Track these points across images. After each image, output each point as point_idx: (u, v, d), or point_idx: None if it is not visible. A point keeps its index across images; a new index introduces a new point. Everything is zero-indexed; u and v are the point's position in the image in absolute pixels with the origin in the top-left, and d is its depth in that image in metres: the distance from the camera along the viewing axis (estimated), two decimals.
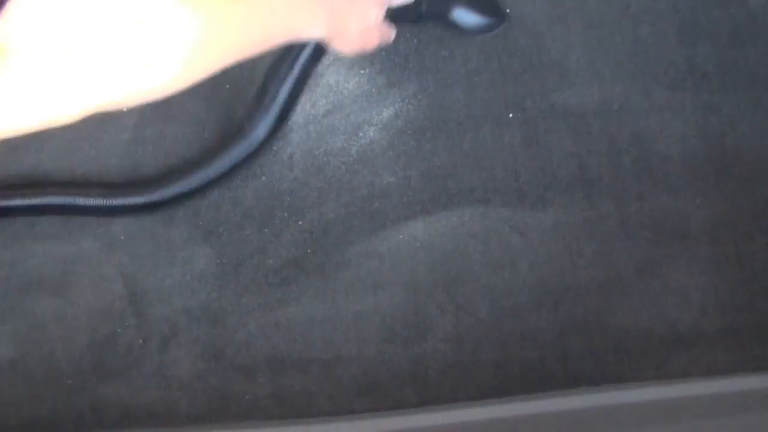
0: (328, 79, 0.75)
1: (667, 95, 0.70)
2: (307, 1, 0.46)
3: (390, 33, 0.61)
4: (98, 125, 0.76)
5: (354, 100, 0.74)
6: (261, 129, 0.67)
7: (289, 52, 0.64)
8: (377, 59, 0.75)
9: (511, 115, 0.72)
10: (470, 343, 0.66)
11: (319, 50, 0.63)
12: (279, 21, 0.43)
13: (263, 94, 0.67)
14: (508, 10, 0.72)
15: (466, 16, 0.69)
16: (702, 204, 0.67)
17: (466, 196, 0.70)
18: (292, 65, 0.65)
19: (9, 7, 0.28)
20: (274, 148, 0.74)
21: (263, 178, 0.73)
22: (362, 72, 0.75)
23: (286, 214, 0.72)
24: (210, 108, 0.76)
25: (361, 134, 0.74)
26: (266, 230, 0.72)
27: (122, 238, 0.72)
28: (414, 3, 0.60)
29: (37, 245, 0.74)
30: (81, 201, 0.68)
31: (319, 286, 0.69)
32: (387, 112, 0.74)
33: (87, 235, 0.73)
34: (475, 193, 0.70)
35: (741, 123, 0.68)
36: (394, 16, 0.58)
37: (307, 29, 0.47)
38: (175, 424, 0.66)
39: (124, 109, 0.75)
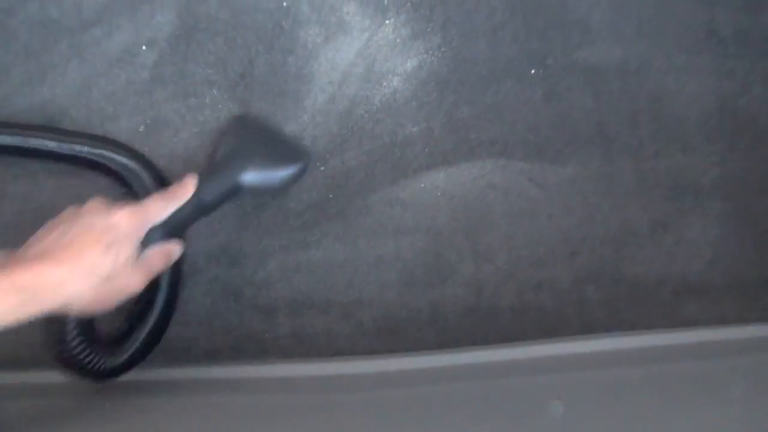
0: (352, 27, 0.75)
1: (684, 58, 0.72)
2: (5, 281, 0.40)
3: (171, 250, 0.52)
4: (115, 62, 0.75)
5: (378, 50, 0.75)
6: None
7: None
8: (402, 10, 0.76)
9: (533, 71, 0.73)
10: (489, 290, 0.67)
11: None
12: None
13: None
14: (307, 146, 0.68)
15: (261, 186, 0.60)
16: (715, 163, 0.69)
17: (487, 148, 0.71)
18: None
19: None
20: (298, 93, 0.74)
21: (286, 123, 0.73)
22: (387, 22, 0.75)
23: None
24: (231, 48, 0.75)
25: (384, 83, 0.74)
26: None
27: None
28: (193, 204, 0.53)
29: (50, 179, 0.73)
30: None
31: (340, 230, 0.69)
32: (411, 63, 0.74)
33: (91, 170, 0.72)
34: (496, 146, 0.71)
35: (754, 86, 0.71)
36: (173, 231, 0.51)
37: (15, 314, 0.40)
38: (192, 360, 0.66)
39: (143, 47, 0.74)
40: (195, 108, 0.74)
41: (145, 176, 0.65)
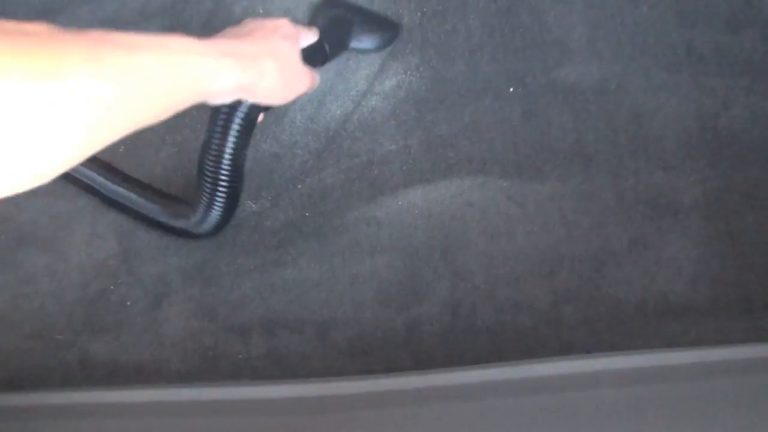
0: None
1: (664, 76, 0.72)
2: (212, 48, 0.43)
3: (314, 76, 0.59)
4: None
5: (356, 70, 0.75)
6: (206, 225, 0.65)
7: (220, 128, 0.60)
8: None
9: (511, 90, 0.73)
10: (465, 309, 0.66)
11: (251, 114, 0.58)
12: (187, 72, 0.41)
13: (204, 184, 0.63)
14: (401, 22, 0.75)
15: (365, 42, 0.72)
16: (695, 181, 0.68)
17: (465, 166, 0.71)
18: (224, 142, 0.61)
19: None
20: (278, 113, 0.74)
21: (263, 141, 0.73)
22: None
23: (284, 178, 0.72)
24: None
25: (363, 103, 0.74)
26: (264, 193, 0.72)
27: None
28: (318, 45, 0.62)
29: (31, 200, 0.73)
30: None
31: (316, 249, 0.69)
32: (389, 83, 0.75)
33: (82, 193, 0.72)
34: (474, 164, 0.71)
35: (735, 105, 0.70)
36: (311, 64, 0.59)
37: (219, 77, 0.44)
38: (165, 382, 0.65)
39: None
40: (174, 129, 0.74)
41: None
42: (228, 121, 0.57)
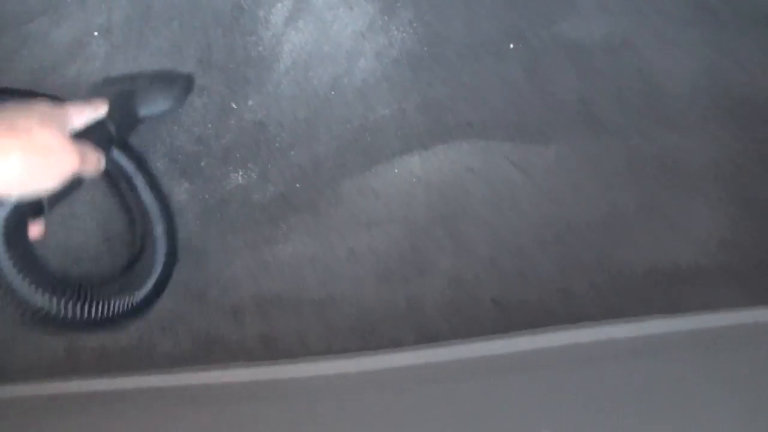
0: (317, 4, 0.70)
1: (674, 31, 0.68)
2: None
3: (91, 156, 0.50)
4: (65, 53, 0.69)
5: (344, 28, 0.70)
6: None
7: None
8: None
9: (512, 46, 0.68)
10: (469, 281, 0.63)
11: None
12: None
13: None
14: (190, 74, 0.66)
15: (156, 105, 0.62)
16: (707, 142, 0.65)
17: (465, 129, 0.67)
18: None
19: None
20: (261, 78, 0.69)
21: (247, 109, 0.68)
22: None
23: (272, 147, 0.67)
24: (187, 32, 0.70)
25: (352, 64, 0.69)
26: (250, 164, 0.67)
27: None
28: (98, 125, 0.53)
29: None
30: None
31: (309, 223, 0.65)
32: (381, 41, 0.69)
33: None
34: (474, 127, 0.67)
35: (748, 62, 0.67)
36: (91, 141, 0.51)
37: None
38: (155, 367, 0.62)
39: (95, 34, 0.69)
40: None
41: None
42: None
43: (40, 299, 0.50)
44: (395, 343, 0.62)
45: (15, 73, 0.69)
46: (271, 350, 0.62)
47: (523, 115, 0.67)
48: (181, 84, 0.64)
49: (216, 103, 0.69)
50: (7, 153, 0.42)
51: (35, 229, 0.52)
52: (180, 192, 0.66)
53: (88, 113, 0.52)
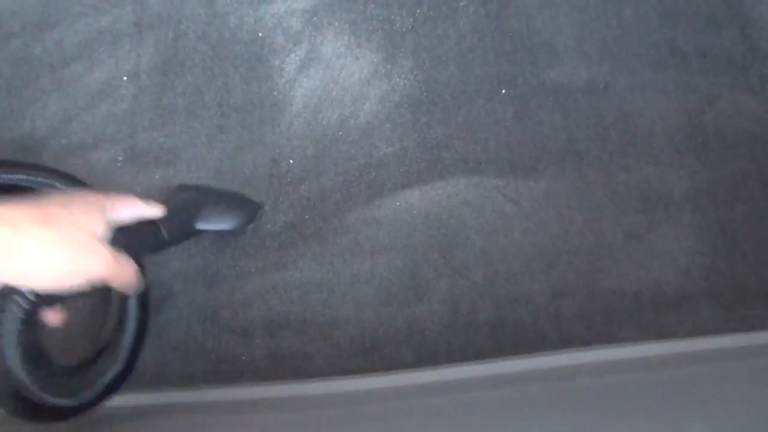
0: (326, 54, 0.77)
1: (650, 75, 0.74)
2: None
3: (121, 262, 0.46)
4: (96, 94, 0.76)
5: (351, 74, 0.77)
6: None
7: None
8: (374, 36, 0.78)
9: (503, 91, 0.75)
10: (465, 306, 0.67)
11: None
12: None
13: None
14: (260, 202, 0.69)
15: (217, 223, 0.62)
16: (684, 175, 0.70)
17: (461, 166, 0.72)
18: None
19: None
20: (275, 119, 0.75)
21: (261, 146, 0.74)
22: (360, 48, 0.78)
23: (283, 182, 0.73)
24: (208, 78, 0.77)
25: (358, 107, 0.75)
26: (263, 197, 0.73)
27: None
28: (150, 227, 0.52)
29: None
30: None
31: (316, 250, 0.70)
32: (384, 86, 0.76)
33: None
34: (469, 164, 0.72)
35: (719, 101, 0.73)
36: (133, 247, 0.48)
37: None
38: (167, 386, 0.65)
39: (124, 78, 0.75)
40: (173, 136, 0.75)
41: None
42: None
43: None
44: (396, 364, 0.65)
45: (49, 110, 0.75)
46: (278, 369, 0.65)
47: (514, 152, 0.72)
48: (249, 210, 0.67)
49: (233, 141, 0.75)
50: (44, 245, 0.39)
51: (53, 316, 0.48)
52: None
53: (139, 209, 0.50)
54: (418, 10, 0.78)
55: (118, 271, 0.45)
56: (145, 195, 0.72)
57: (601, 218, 0.69)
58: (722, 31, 0.75)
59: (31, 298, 0.43)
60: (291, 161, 0.74)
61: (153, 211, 0.52)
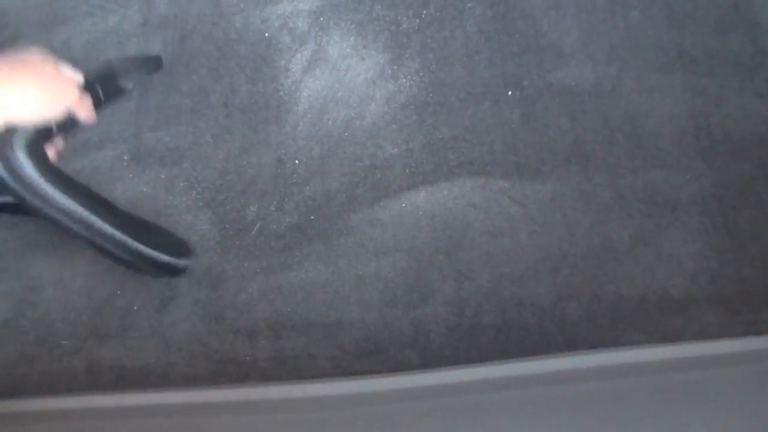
0: (332, 55, 0.77)
1: (657, 78, 0.74)
2: None
3: (88, 101, 0.58)
4: None
5: (358, 76, 0.76)
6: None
7: None
8: (381, 38, 0.78)
9: (510, 93, 0.75)
10: (470, 308, 0.67)
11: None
12: None
13: None
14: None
15: (132, 79, 0.69)
16: (691, 178, 0.70)
17: (467, 167, 0.72)
18: None
19: None
20: (280, 120, 0.75)
21: (266, 147, 0.74)
22: (366, 49, 0.77)
23: (289, 182, 0.73)
24: (214, 78, 0.77)
25: (364, 108, 0.75)
26: (268, 197, 0.72)
27: (123, 203, 0.71)
28: (89, 84, 0.59)
29: None
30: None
31: (321, 251, 0.70)
32: (390, 87, 0.76)
33: None
34: (475, 165, 0.72)
35: (726, 104, 0.72)
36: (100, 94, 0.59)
37: None
38: (172, 386, 0.65)
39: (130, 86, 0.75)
40: (178, 136, 0.75)
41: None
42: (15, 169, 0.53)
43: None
44: (400, 366, 0.65)
45: None
46: (282, 370, 0.65)
47: (521, 154, 0.72)
48: (153, 61, 0.75)
49: (238, 141, 0.75)
50: (24, 83, 0.50)
51: (50, 151, 0.58)
52: (203, 221, 0.71)
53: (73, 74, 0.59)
54: (425, 12, 0.78)
55: (83, 103, 0.57)
56: (151, 195, 0.72)
57: (607, 221, 0.69)
58: (730, 34, 0.74)
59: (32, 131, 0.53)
60: (296, 162, 0.74)
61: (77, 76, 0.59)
